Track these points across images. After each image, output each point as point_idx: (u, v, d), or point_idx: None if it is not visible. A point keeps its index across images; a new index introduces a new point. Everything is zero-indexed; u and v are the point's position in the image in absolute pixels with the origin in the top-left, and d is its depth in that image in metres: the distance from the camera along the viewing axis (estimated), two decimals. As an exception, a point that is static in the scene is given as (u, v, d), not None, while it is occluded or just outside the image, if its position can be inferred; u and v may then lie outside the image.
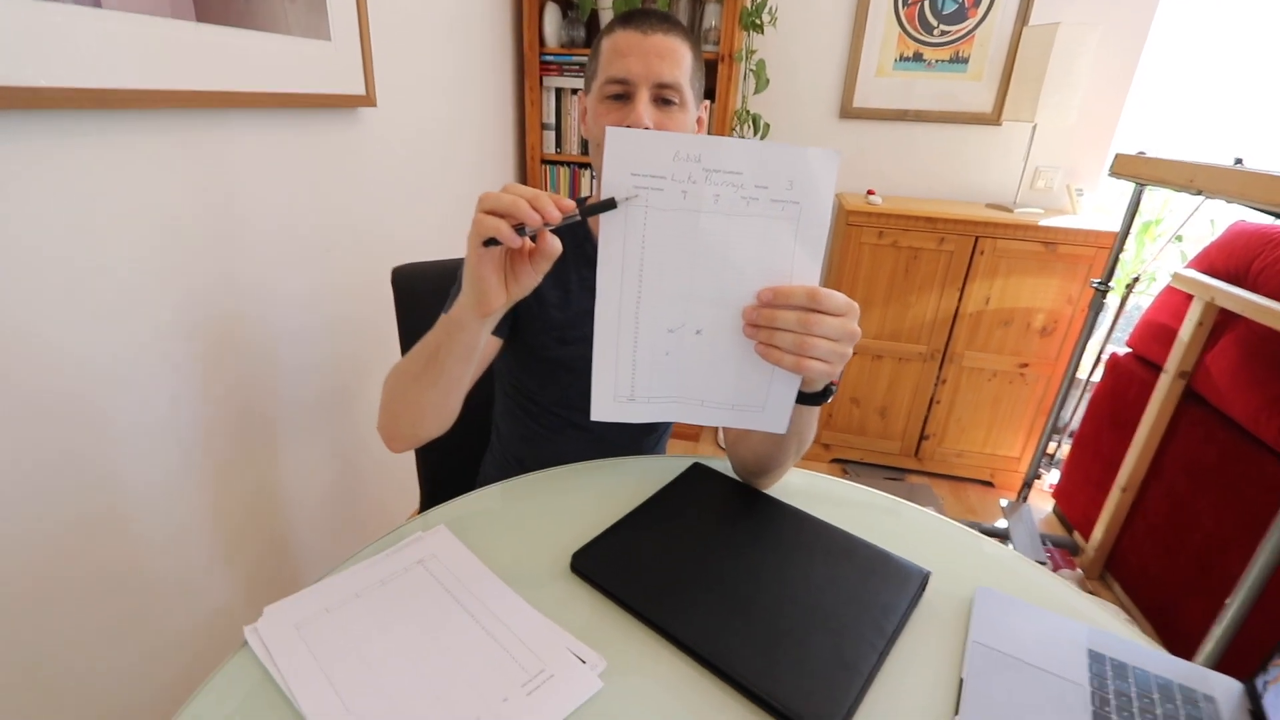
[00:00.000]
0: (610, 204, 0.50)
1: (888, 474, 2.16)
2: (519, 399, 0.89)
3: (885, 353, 2.05)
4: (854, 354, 2.07)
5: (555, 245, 0.51)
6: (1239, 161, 1.53)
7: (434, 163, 1.62)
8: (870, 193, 2.05)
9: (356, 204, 1.34)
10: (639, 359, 0.55)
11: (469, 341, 0.59)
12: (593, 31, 2.05)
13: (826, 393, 0.59)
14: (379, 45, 1.27)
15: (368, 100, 1.25)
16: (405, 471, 1.16)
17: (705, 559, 0.62)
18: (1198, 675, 0.53)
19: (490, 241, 0.49)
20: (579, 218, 0.50)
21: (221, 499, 1.10)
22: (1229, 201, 1.12)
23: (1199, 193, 1.18)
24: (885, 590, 0.59)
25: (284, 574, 1.28)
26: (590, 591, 0.59)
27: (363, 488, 1.51)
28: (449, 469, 1.05)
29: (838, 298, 0.51)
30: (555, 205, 0.49)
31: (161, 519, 0.99)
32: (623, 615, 0.57)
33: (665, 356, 0.55)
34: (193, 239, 0.98)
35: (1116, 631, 0.58)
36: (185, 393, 1.00)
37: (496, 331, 0.79)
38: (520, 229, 0.49)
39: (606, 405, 0.57)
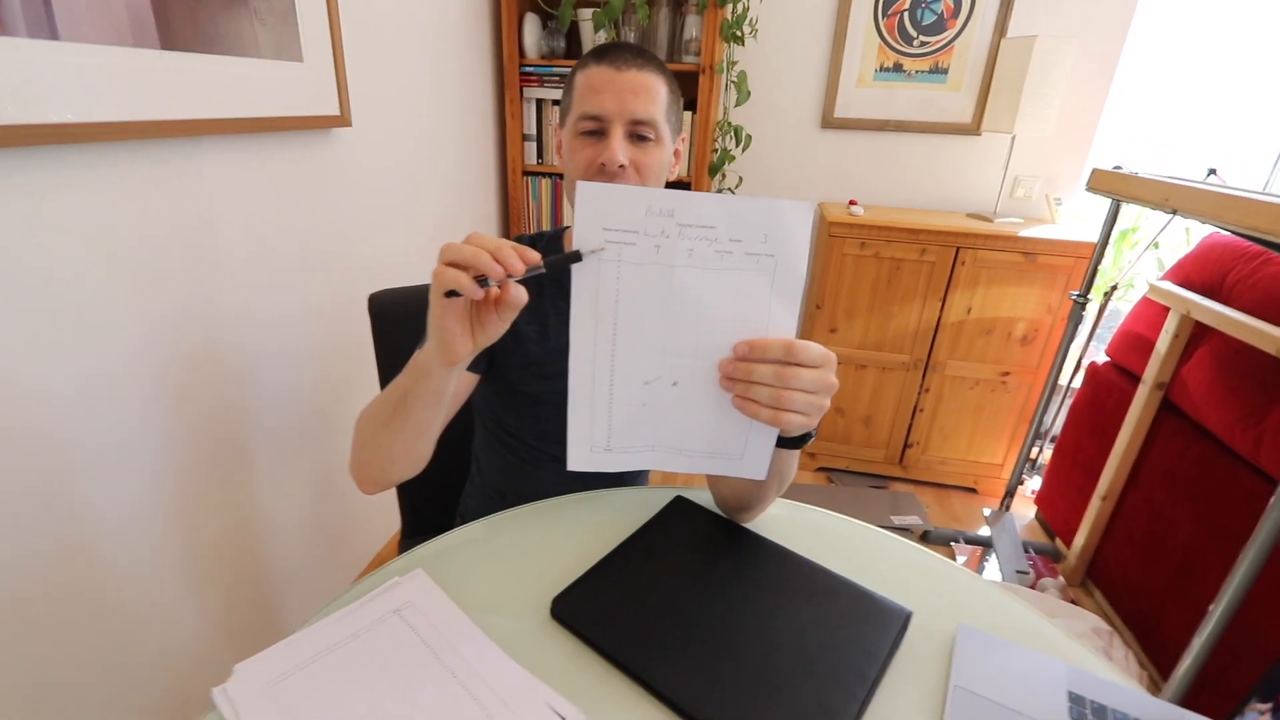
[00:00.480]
0: (576, 256, 0.49)
1: (873, 482, 2.17)
2: (498, 432, 0.88)
3: (869, 362, 2.06)
4: (839, 364, 2.08)
5: (520, 296, 0.50)
6: (1213, 172, 1.56)
7: (413, 180, 1.60)
8: (852, 203, 2.05)
9: (334, 226, 1.32)
10: (615, 410, 0.55)
11: (437, 388, 0.58)
12: (573, 42, 2.04)
13: (806, 437, 0.59)
14: (353, 63, 1.25)
15: (343, 120, 1.23)
16: (388, 495, 1.15)
17: (687, 602, 0.61)
18: (1174, 716, 0.53)
19: (452, 292, 0.48)
20: (543, 270, 0.49)
21: (198, 526, 1.08)
22: (1203, 222, 1.13)
23: (1174, 212, 1.19)
24: (867, 633, 0.59)
25: (265, 601, 1.26)
26: (571, 638, 0.58)
27: (345, 510, 1.49)
28: (430, 499, 1.04)
29: (814, 350, 0.51)
30: (519, 257, 0.48)
31: (132, 548, 0.97)
32: (603, 663, 0.56)
33: (641, 408, 0.55)
34: (164, 267, 0.96)
35: (1095, 669, 0.58)
36: (155, 421, 0.98)
37: (473, 367, 0.78)
38: (484, 280, 0.48)
39: (583, 456, 0.56)
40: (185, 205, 0.98)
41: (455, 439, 0.93)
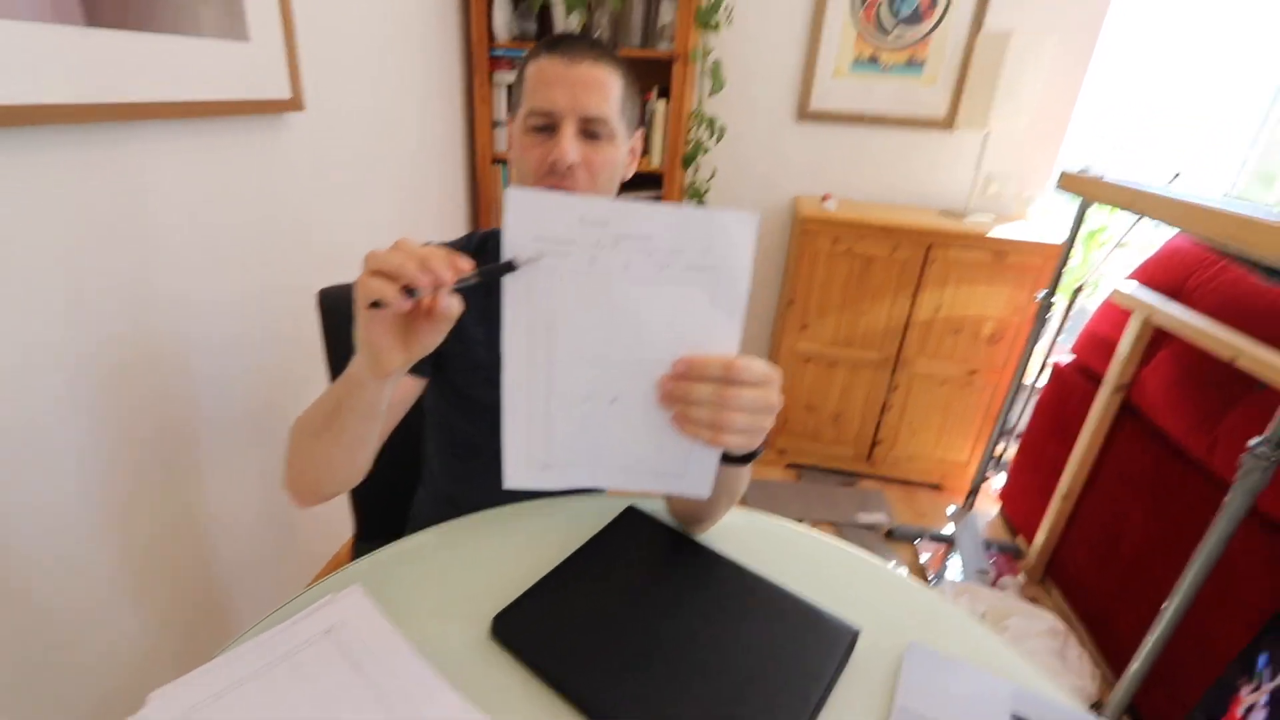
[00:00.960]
0: (509, 266, 0.46)
1: (841, 479, 2.18)
2: (448, 436, 0.85)
3: (839, 359, 2.05)
4: (809, 362, 2.08)
5: (452, 307, 0.47)
6: (1177, 176, 1.57)
7: (374, 169, 1.54)
8: (825, 198, 2.04)
9: (288, 217, 1.27)
10: (552, 427, 0.52)
11: (370, 400, 0.55)
12: (545, 24, 1.98)
13: (753, 454, 0.57)
14: (306, 43, 1.20)
15: (294, 104, 1.17)
16: (342, 496, 1.12)
17: (631, 622, 0.59)
18: (1116, 740, 0.53)
19: (377, 303, 0.45)
20: (476, 280, 0.46)
21: (134, 521, 1.03)
22: (1169, 226, 1.13)
23: (1140, 215, 1.19)
24: (814, 653, 0.57)
25: (214, 604, 1.22)
26: (512, 660, 0.56)
27: (299, 509, 1.45)
28: (383, 503, 1.01)
29: (756, 368, 0.49)
30: (450, 266, 0.45)
31: (59, 545, 0.92)
32: (542, 687, 0.54)
33: (580, 424, 0.52)
34: (92, 254, 0.90)
35: (1043, 689, 0.58)
36: (81, 407, 0.93)
37: (418, 369, 0.75)
38: (412, 290, 0.45)
39: (520, 472, 0.54)
40: (119, 195, 0.92)
41: (408, 442, 0.90)
